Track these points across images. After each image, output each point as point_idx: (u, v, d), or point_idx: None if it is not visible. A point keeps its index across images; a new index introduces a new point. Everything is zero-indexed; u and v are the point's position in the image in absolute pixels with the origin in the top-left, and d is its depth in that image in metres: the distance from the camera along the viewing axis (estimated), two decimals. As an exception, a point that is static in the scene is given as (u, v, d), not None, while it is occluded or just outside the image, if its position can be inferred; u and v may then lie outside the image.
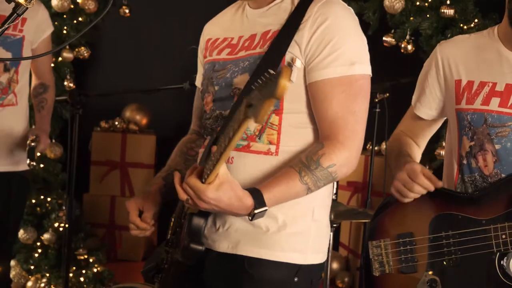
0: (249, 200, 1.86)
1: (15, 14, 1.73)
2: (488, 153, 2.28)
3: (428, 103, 2.45)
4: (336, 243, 5.23)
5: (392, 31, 4.18)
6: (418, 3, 4.02)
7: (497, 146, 2.26)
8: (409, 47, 4.09)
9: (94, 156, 5.48)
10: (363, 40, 1.99)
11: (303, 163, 1.93)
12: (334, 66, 1.91)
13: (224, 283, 2.05)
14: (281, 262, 2.02)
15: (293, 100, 1.99)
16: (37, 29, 3.60)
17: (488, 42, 2.34)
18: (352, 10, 2.02)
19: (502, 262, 2.19)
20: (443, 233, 2.26)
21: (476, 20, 3.94)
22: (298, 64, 1.60)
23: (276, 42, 1.99)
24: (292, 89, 1.92)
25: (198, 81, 2.32)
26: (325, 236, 2.13)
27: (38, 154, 3.55)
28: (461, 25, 3.93)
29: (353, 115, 1.94)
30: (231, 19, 2.22)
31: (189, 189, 1.83)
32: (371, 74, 1.99)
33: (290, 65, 1.68)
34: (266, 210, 1.88)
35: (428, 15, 3.99)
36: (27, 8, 1.75)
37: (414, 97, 2.51)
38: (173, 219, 2.25)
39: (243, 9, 2.19)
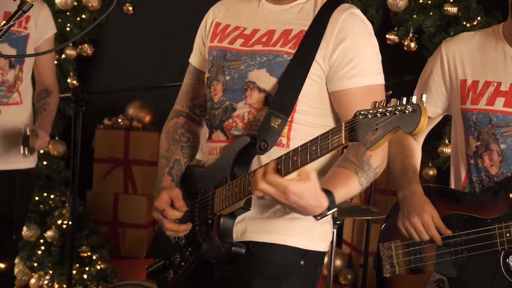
0: (325, 201, 1.89)
1: (21, 11, 1.73)
2: (494, 153, 2.28)
3: (433, 101, 2.42)
4: (339, 240, 5.24)
5: (395, 28, 4.18)
6: (421, 1, 4.02)
7: (503, 146, 2.27)
8: (412, 44, 4.09)
9: (97, 153, 5.49)
10: (378, 51, 2.11)
11: (357, 164, 1.99)
12: (361, 76, 2.02)
13: (231, 266, 2.08)
14: (288, 245, 2.07)
15: (308, 102, 2.07)
16: (40, 28, 3.62)
17: (493, 40, 2.33)
18: (369, 24, 2.12)
19: (507, 260, 2.20)
20: (450, 233, 2.28)
21: (479, 18, 3.94)
22: (425, 99, 1.65)
23: (304, 44, 2.04)
24: (309, 92, 2.05)
25: (195, 60, 2.31)
26: (330, 226, 2.17)
27: (37, 151, 3.56)
28: (464, 23, 3.93)
29: None
30: (244, 8, 2.21)
31: (269, 187, 1.84)
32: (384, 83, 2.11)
33: (423, 102, 1.71)
34: (335, 211, 1.93)
35: (431, 13, 3.99)
36: (32, 5, 1.75)
37: (416, 94, 2.48)
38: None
39: (259, 0, 2.19)
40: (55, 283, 4.75)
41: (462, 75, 2.34)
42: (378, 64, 2.09)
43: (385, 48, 4.21)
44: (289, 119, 2.03)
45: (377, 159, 2.01)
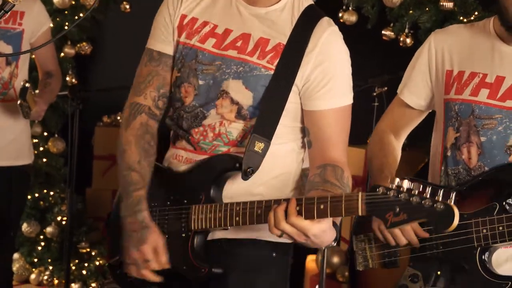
0: (334, 235, 1.93)
1: (3, 10, 1.74)
2: (473, 145, 2.26)
3: (418, 92, 2.41)
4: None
5: (391, 24, 4.16)
6: (417, -4, 4.01)
7: (483, 139, 2.24)
8: (408, 40, 4.08)
9: (97, 150, 5.49)
10: (350, 67, 2.14)
11: (341, 187, 2.02)
12: (337, 97, 2.07)
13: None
14: (259, 239, 2.10)
15: (285, 121, 2.09)
16: (35, 22, 3.64)
17: (483, 33, 2.32)
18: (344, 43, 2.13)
19: (483, 257, 2.18)
20: (425, 227, 2.24)
21: (476, 13, 3.92)
22: (453, 198, 1.71)
23: (284, 62, 2.05)
24: (289, 112, 2.07)
25: (158, 45, 2.16)
26: None
27: (31, 118, 3.56)
28: (461, 18, 3.90)
29: (347, 140, 2.14)
30: (214, 2, 2.13)
31: (290, 228, 1.87)
32: None
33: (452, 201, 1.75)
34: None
35: (427, 8, 3.97)
36: (14, 4, 1.76)
37: (401, 85, 2.47)
38: None
39: None
40: (54, 278, 4.78)
41: (449, 66, 2.33)
42: (350, 83, 2.12)
43: (380, 44, 4.28)
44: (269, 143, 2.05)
45: (348, 176, 2.07)
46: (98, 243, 4.90)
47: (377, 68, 4.18)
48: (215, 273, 2.05)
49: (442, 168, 2.34)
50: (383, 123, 2.52)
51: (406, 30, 4.08)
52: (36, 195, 4.81)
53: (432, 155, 2.44)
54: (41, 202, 4.83)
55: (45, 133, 4.97)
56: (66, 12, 4.79)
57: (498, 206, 2.17)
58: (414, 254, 2.29)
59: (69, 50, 4.93)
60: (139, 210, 2.07)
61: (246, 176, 2.02)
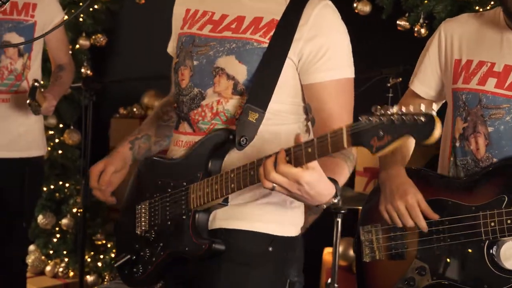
0: (333, 188, 1.87)
1: (1, 2, 1.73)
2: (481, 136, 2.23)
3: (427, 81, 2.39)
4: (350, 230, 5.20)
5: (406, 14, 4.12)
6: (431, -14, 3.96)
7: (490, 129, 2.21)
8: (423, 30, 4.03)
9: (113, 142, 5.49)
10: (349, 44, 2.10)
11: (344, 153, 1.98)
12: (335, 69, 2.03)
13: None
14: (256, 231, 2.06)
15: (280, 92, 2.05)
16: (47, 14, 3.65)
17: (492, 22, 2.29)
18: (339, 14, 2.11)
19: (491, 251, 2.14)
20: (438, 217, 2.22)
21: (492, 3, 3.87)
22: (436, 109, 1.65)
23: (278, 35, 2.03)
24: (284, 82, 2.03)
25: (172, 50, 2.29)
26: (300, 211, 2.15)
27: (42, 113, 3.55)
28: (477, 7, 3.85)
29: (351, 114, 2.07)
30: None
31: (281, 177, 1.80)
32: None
33: (435, 112, 1.68)
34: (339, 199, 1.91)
35: (442, -2, 3.93)
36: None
37: (413, 75, 2.45)
38: (140, 211, 2.21)
39: None
40: (70, 270, 4.81)
41: (458, 55, 2.30)
42: (350, 57, 2.08)
43: (396, 34, 4.24)
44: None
45: (353, 148, 2.00)
46: (113, 235, 4.90)
47: (392, 59, 4.13)
48: (217, 249, 2.01)
49: (451, 159, 2.32)
50: None
51: (421, 20, 4.03)
52: (52, 187, 4.83)
53: (442, 145, 2.41)
54: (57, 194, 4.85)
55: (61, 125, 4.99)
56: (81, 4, 4.80)
57: (506, 199, 2.14)
58: (422, 246, 2.26)
59: (84, 42, 4.94)
60: (119, 146, 2.29)
61: (240, 146, 1.99)
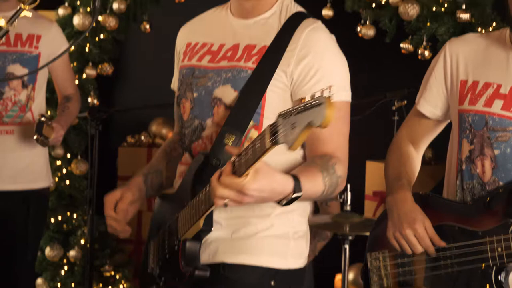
0: (290, 183, 1.82)
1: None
2: (487, 159, 2.19)
3: (433, 101, 2.35)
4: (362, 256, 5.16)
5: (409, 37, 4.12)
6: (434, 9, 3.95)
7: (496, 152, 2.17)
8: (426, 53, 4.02)
9: (121, 171, 5.50)
10: (346, 66, 2.09)
11: (321, 165, 1.95)
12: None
13: None
14: (258, 266, 2.03)
15: (274, 118, 1.99)
16: (51, 46, 3.66)
17: (498, 43, 2.26)
18: (334, 38, 2.11)
19: (499, 277, 2.09)
20: (445, 244, 2.18)
21: (494, 24, 3.86)
22: (333, 90, 1.62)
23: (265, 60, 2.04)
24: (273, 106, 2.02)
25: (175, 85, 2.30)
26: (305, 242, 2.13)
27: (51, 144, 3.55)
28: (479, 29, 3.85)
29: (344, 138, 2.05)
30: (212, 24, 2.21)
31: (227, 190, 1.77)
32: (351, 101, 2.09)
33: (330, 94, 1.67)
34: (301, 196, 1.85)
35: (444, 20, 3.92)
36: (7, 30, 1.75)
37: (418, 94, 2.41)
38: (150, 249, 2.22)
39: (225, 15, 2.19)
40: (78, 303, 4.78)
41: (464, 76, 2.27)
42: (344, 79, 2.05)
43: (400, 57, 4.23)
44: (244, 136, 2.01)
45: (340, 169, 1.99)
46: (122, 266, 4.89)
47: (396, 82, 4.13)
48: (199, 275, 1.99)
49: (458, 182, 2.28)
50: (401, 133, 2.47)
51: (424, 43, 4.04)
52: (59, 218, 4.81)
53: (447, 168, 2.37)
54: (65, 225, 4.83)
55: (68, 155, 4.98)
56: (87, 34, 4.82)
57: None
58: (429, 273, 2.22)
59: (90, 72, 4.95)
60: (131, 179, 2.25)
61: (214, 168, 1.94)
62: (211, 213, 1.95)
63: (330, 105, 1.56)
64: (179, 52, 2.25)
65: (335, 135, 2.02)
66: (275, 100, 2.03)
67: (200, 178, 2.02)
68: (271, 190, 1.79)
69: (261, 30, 2.10)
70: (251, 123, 2.02)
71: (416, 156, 2.43)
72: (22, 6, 1.72)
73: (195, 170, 2.03)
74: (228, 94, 2.05)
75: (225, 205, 1.78)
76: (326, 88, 1.60)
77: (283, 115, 1.63)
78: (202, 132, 2.09)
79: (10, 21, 1.74)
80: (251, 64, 2.05)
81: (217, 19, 2.20)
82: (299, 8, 2.15)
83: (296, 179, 1.84)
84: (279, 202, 1.84)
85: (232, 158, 1.79)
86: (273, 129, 1.65)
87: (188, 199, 2.03)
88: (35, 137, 3.39)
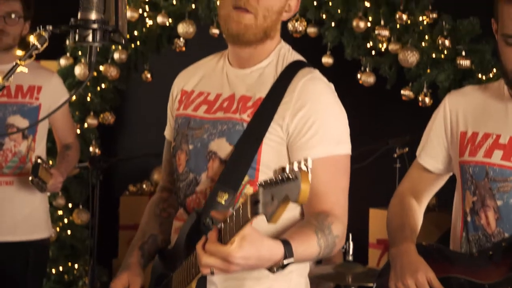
0: (279, 250, 1.76)
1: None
2: (490, 210, 2.17)
3: (435, 154, 2.34)
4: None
5: (410, 84, 4.13)
6: (434, 55, 3.97)
7: (499, 202, 2.15)
8: (427, 100, 4.03)
9: (122, 220, 5.47)
10: (344, 117, 2.03)
11: (316, 226, 1.89)
12: (321, 145, 1.95)
13: None
14: None
15: (269, 172, 1.99)
16: (52, 97, 3.66)
17: (496, 94, 2.26)
18: (332, 87, 2.06)
19: None
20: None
21: (494, 70, 3.87)
22: (310, 164, 1.58)
23: (260, 113, 1.99)
24: (269, 160, 1.97)
25: (168, 133, 2.25)
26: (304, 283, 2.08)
27: (49, 190, 3.51)
28: (480, 75, 3.86)
29: (342, 193, 1.99)
30: (209, 72, 2.16)
31: (212, 259, 1.71)
32: (351, 153, 2.03)
33: (306, 167, 1.61)
34: (293, 261, 1.79)
35: (444, 67, 3.93)
36: (3, 86, 1.75)
37: (419, 148, 2.40)
38: None
39: (222, 64, 2.14)
40: None
41: (463, 127, 2.27)
42: (342, 132, 2.00)
43: (400, 104, 4.23)
44: (238, 193, 1.95)
45: (338, 228, 1.92)
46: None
47: (398, 129, 4.13)
48: None
49: (463, 234, 2.25)
50: (403, 187, 2.45)
51: (425, 90, 4.05)
52: (61, 268, 4.79)
53: (453, 220, 2.35)
54: (66, 276, 4.80)
55: (70, 205, 4.97)
56: (88, 83, 4.85)
57: None
58: None
59: (92, 121, 4.97)
60: (128, 255, 2.15)
61: (205, 227, 1.89)
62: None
63: (306, 181, 1.52)
64: (175, 99, 2.21)
65: (333, 191, 1.96)
66: (271, 154, 1.97)
67: (194, 238, 1.93)
68: (258, 258, 1.71)
69: (257, 80, 2.05)
70: (246, 178, 1.96)
71: (418, 210, 2.41)
72: (19, 62, 1.71)
73: (188, 229, 1.98)
74: (223, 147, 2.00)
75: (212, 273, 1.73)
76: (304, 160, 1.55)
77: (264, 185, 1.58)
78: (196, 186, 2.04)
79: (6, 76, 1.73)
80: (246, 117, 2.00)
81: (214, 67, 2.15)
82: (297, 56, 2.11)
83: (287, 243, 1.77)
84: (270, 269, 1.78)
85: (219, 225, 1.74)
86: (254, 198, 1.60)
87: (182, 259, 1.97)
88: (30, 178, 3.36)
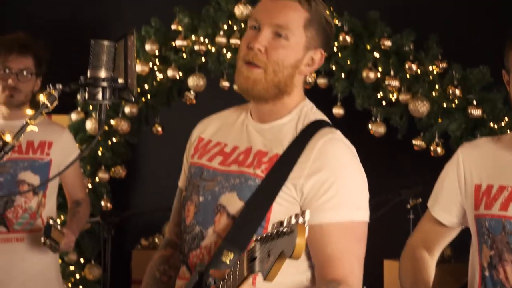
0: None
1: (2, 151, 1.72)
2: (508, 264, 2.11)
3: (448, 208, 2.29)
4: None
5: (421, 134, 4.12)
6: (444, 105, 3.96)
7: None
8: (439, 149, 4.01)
9: (135, 274, 5.43)
10: (364, 182, 1.94)
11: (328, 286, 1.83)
12: (337, 209, 1.86)
13: None
14: None
15: None
16: (63, 152, 3.66)
17: (510, 144, 2.23)
18: (353, 150, 1.97)
19: None
20: None
21: (506, 119, 3.86)
22: (307, 217, 1.54)
23: (274, 171, 1.92)
24: (275, 219, 1.83)
25: (181, 181, 2.18)
26: None
27: (61, 250, 3.47)
28: (491, 124, 3.84)
29: (357, 261, 1.89)
30: (230, 123, 2.10)
31: None
32: (368, 220, 1.94)
33: (303, 220, 1.56)
34: None
35: (456, 116, 3.92)
36: (13, 146, 1.74)
37: (431, 200, 2.34)
38: None
39: (244, 117, 2.08)
40: None
41: (477, 180, 2.23)
42: (361, 197, 1.91)
43: (412, 154, 4.21)
44: (243, 253, 1.82)
45: None
46: None
47: (410, 179, 4.10)
48: None
49: None
50: (414, 239, 2.41)
51: (437, 139, 4.03)
52: (72, 325, 4.74)
53: (470, 275, 2.30)
54: (78, 333, 4.76)
55: (81, 260, 4.94)
56: (99, 138, 4.86)
57: None
58: None
59: (103, 175, 4.97)
60: None
61: (207, 287, 1.82)
62: None
63: (302, 235, 1.47)
64: (192, 144, 2.14)
65: (347, 259, 1.86)
66: (281, 214, 1.86)
67: None
68: None
69: (276, 136, 1.97)
70: (254, 237, 1.86)
71: (431, 262, 2.36)
72: (28, 121, 1.71)
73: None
74: (233, 202, 1.93)
75: None
76: (302, 212, 1.51)
77: (261, 240, 1.55)
78: (201, 241, 1.96)
79: (16, 136, 1.72)
80: (260, 172, 1.93)
81: (236, 119, 2.09)
82: (319, 115, 2.02)
83: None
84: None
85: (217, 283, 1.70)
86: (251, 255, 1.56)
87: None
88: (42, 239, 3.35)
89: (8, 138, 1.70)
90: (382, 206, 3.85)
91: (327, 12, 2.04)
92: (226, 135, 2.08)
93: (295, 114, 2.00)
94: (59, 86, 1.71)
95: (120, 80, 1.73)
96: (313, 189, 1.87)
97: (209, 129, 2.13)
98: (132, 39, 1.75)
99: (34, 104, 3.65)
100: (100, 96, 1.70)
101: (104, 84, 1.69)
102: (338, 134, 1.96)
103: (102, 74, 1.70)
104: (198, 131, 2.15)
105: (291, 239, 1.47)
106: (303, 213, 1.53)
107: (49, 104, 1.71)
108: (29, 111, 1.74)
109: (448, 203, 2.30)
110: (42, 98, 1.71)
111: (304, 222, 1.51)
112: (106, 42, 1.72)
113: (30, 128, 1.71)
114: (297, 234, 1.47)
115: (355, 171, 1.91)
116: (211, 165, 2.04)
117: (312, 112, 2.02)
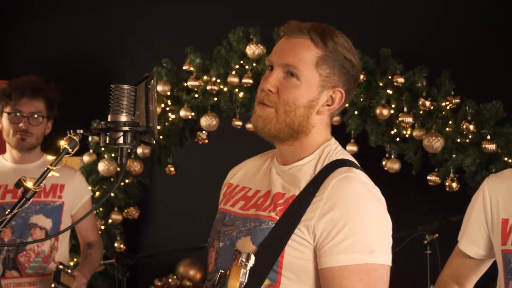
0: None
1: (24, 198, 1.71)
2: None
3: (476, 241, 2.28)
4: None
5: (436, 169, 4.10)
6: (458, 140, 3.94)
7: None
8: (454, 185, 3.99)
9: (149, 316, 5.40)
10: (385, 224, 1.85)
11: None
12: (350, 252, 1.78)
13: None
14: None
15: (292, 276, 1.86)
16: (75, 195, 3.66)
17: None
18: (372, 190, 1.88)
19: None
20: None
21: (521, 153, 3.84)
22: (251, 263, 1.52)
23: (289, 213, 1.86)
24: (292, 264, 1.84)
25: None
26: None
27: None
28: (506, 159, 3.82)
29: None
30: (256, 168, 2.09)
31: None
32: (391, 264, 1.84)
33: (245, 263, 1.58)
34: None
35: (470, 152, 3.91)
36: (35, 192, 1.73)
37: (460, 234, 2.35)
38: None
39: (270, 161, 2.06)
40: None
41: (504, 214, 2.20)
42: (378, 238, 1.81)
43: (427, 190, 4.19)
44: None
45: None
46: None
47: (426, 215, 4.07)
48: None
49: None
50: (445, 274, 2.40)
51: (451, 175, 4.01)
52: None
53: None
54: None
55: (96, 302, 4.91)
56: (112, 179, 4.85)
57: None
58: None
59: (116, 217, 4.95)
60: None
61: None
62: None
63: (234, 277, 1.47)
64: (222, 192, 2.15)
65: None
66: (295, 259, 1.84)
67: None
68: None
69: (294, 177, 1.93)
70: (267, 281, 1.83)
71: None
72: (50, 167, 1.70)
73: None
74: (247, 247, 1.88)
75: None
76: (245, 254, 1.50)
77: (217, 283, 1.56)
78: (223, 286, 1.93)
79: (37, 182, 1.72)
80: (275, 215, 1.88)
81: (262, 164, 2.08)
82: (343, 155, 1.96)
83: None
84: None
85: None
86: None
87: None
88: (52, 286, 3.33)
89: (29, 184, 1.70)
90: (398, 242, 3.83)
91: (353, 50, 2.01)
92: (251, 180, 2.07)
93: (316, 155, 1.96)
94: (80, 131, 1.71)
95: (141, 123, 1.73)
96: (325, 230, 1.80)
97: (238, 174, 2.14)
98: (153, 82, 1.76)
99: (45, 147, 3.66)
100: (121, 140, 1.69)
101: (126, 128, 1.69)
102: (356, 173, 1.88)
103: (123, 118, 1.70)
104: (228, 178, 2.17)
105: (225, 280, 1.51)
106: (248, 255, 1.54)
107: (70, 150, 1.71)
108: (50, 157, 1.73)
109: (475, 236, 2.28)
110: (63, 143, 1.71)
111: (245, 265, 1.51)
112: (126, 86, 1.72)
113: (51, 173, 1.71)
114: (230, 276, 1.50)
115: (371, 211, 1.83)
116: (233, 210, 2.02)
117: (334, 152, 1.96)
